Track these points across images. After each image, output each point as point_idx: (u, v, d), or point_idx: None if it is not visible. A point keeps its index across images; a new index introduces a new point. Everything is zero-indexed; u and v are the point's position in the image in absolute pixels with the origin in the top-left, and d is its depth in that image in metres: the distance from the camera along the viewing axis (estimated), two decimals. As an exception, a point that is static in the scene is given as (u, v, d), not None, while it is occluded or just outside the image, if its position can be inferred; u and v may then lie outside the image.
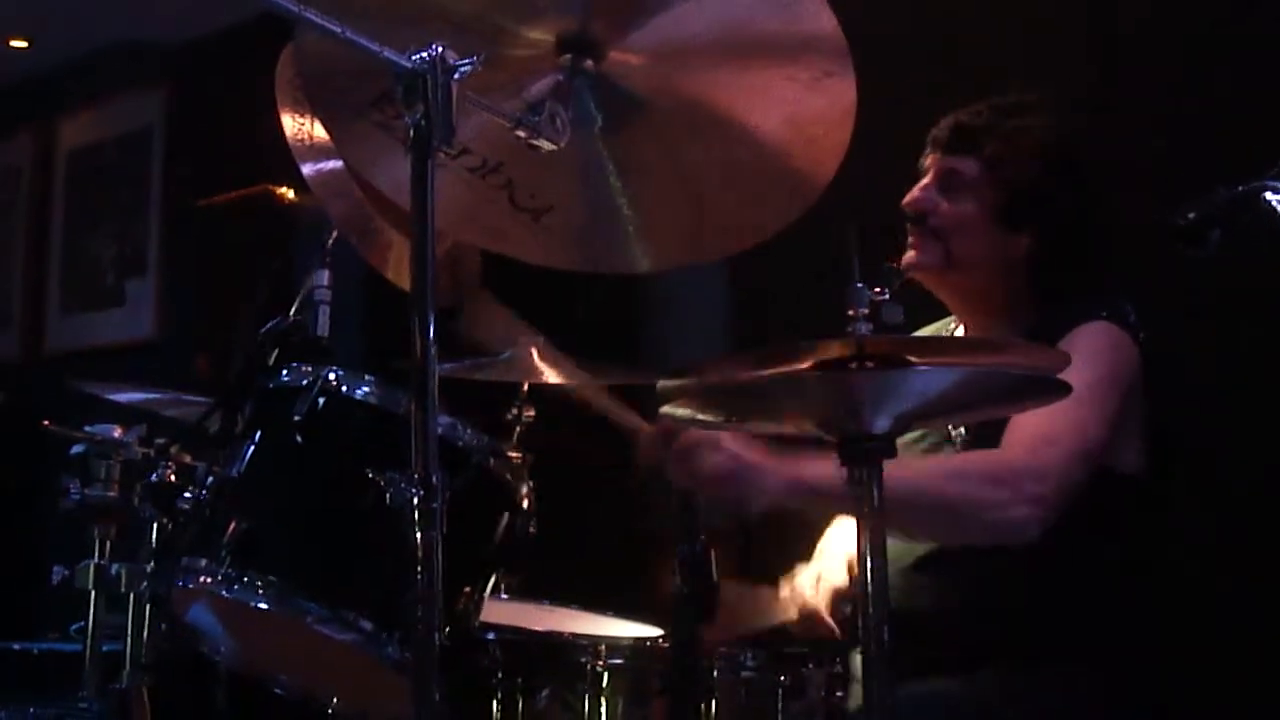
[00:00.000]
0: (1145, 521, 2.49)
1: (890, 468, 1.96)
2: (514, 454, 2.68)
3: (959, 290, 2.63)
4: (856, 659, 2.06)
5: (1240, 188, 1.81)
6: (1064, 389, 1.83)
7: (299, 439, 2.29)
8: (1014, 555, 2.31)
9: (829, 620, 2.62)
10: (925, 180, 2.61)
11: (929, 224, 2.56)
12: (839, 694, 2.22)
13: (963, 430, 2.52)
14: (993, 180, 2.55)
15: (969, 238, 2.55)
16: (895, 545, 2.47)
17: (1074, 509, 2.29)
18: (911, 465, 2.37)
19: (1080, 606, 2.39)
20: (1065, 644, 2.39)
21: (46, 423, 3.22)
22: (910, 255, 2.57)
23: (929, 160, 2.63)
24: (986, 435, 2.46)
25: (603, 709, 2.23)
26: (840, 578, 2.66)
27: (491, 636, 2.40)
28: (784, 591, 2.71)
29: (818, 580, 2.69)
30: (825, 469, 1.95)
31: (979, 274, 2.57)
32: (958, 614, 2.44)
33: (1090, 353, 2.37)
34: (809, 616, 2.62)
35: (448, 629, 2.21)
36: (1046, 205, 2.54)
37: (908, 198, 2.60)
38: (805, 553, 2.81)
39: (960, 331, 2.68)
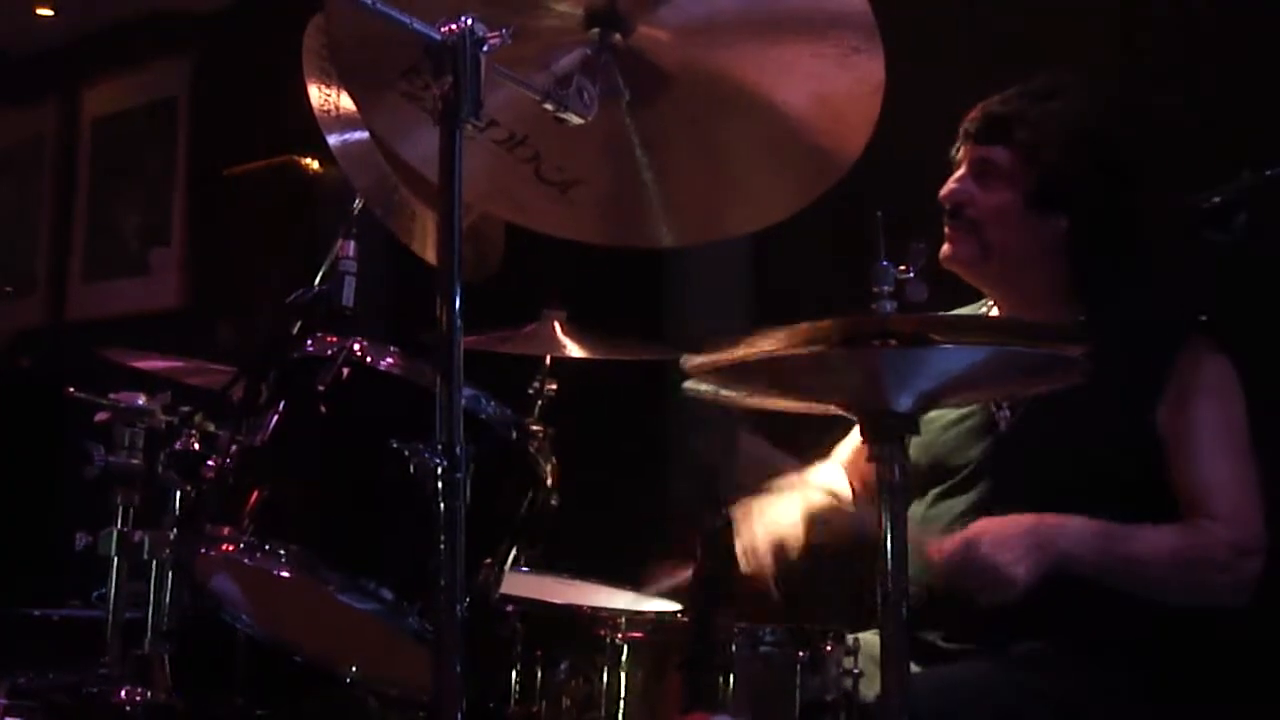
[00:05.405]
0: None
1: (1112, 542, 2.26)
2: (536, 427, 2.69)
3: (996, 280, 2.62)
4: (873, 640, 2.06)
5: (1267, 172, 1.80)
6: (1081, 369, 1.82)
7: (323, 409, 2.31)
8: None
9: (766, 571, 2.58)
10: (959, 172, 2.60)
11: (965, 215, 2.57)
12: (857, 671, 2.22)
13: (1007, 412, 2.52)
14: (1025, 167, 2.54)
15: (1004, 227, 2.55)
16: (924, 519, 2.48)
17: (1131, 507, 2.33)
18: (1135, 544, 2.35)
19: (1124, 598, 2.39)
20: (1101, 634, 2.38)
21: (71, 389, 3.23)
22: (947, 249, 2.58)
23: (961, 152, 2.62)
24: (1031, 417, 2.46)
25: (621, 682, 2.24)
26: (789, 529, 2.58)
27: (511, 609, 2.40)
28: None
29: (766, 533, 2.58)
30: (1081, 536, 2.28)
31: (1015, 263, 2.56)
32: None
33: (1222, 394, 2.44)
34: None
35: (468, 600, 2.21)
36: (1080, 188, 2.52)
37: (944, 191, 2.59)
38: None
39: (995, 313, 2.66)
